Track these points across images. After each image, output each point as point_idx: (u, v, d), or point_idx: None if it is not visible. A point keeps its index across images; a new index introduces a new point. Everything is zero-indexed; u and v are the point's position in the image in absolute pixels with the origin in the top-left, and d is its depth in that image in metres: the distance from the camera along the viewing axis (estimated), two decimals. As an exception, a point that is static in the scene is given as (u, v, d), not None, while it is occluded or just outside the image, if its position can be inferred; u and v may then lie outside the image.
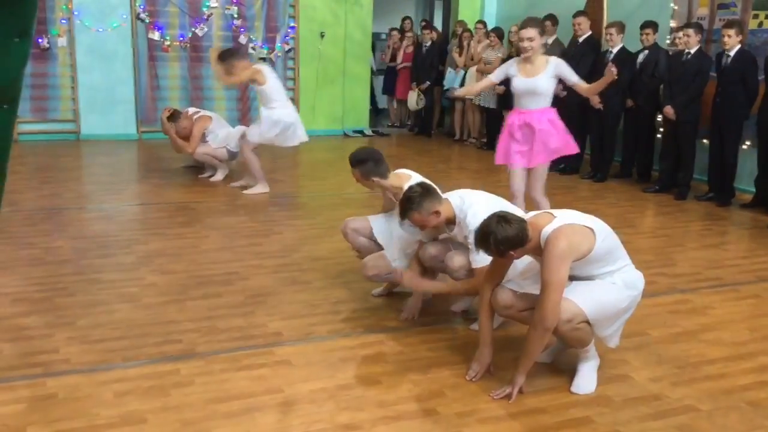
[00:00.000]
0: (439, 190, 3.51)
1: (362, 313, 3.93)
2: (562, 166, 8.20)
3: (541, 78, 4.78)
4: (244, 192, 6.77)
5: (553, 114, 4.92)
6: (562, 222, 2.94)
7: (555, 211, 3.05)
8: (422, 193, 3.38)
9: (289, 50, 10.44)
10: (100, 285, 4.24)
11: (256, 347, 3.45)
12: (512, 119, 4.97)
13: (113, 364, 3.23)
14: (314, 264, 4.75)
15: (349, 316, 3.88)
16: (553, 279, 2.83)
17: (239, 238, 5.36)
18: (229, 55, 6.56)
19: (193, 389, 3.02)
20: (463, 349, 3.49)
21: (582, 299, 2.97)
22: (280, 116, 6.59)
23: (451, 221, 3.48)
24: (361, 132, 11.10)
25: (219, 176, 7.30)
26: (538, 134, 4.80)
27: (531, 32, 4.71)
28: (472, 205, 3.40)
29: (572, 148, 4.97)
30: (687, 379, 3.26)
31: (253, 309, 3.92)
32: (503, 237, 2.85)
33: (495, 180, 8.06)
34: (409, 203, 3.37)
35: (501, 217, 2.89)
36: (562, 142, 4.91)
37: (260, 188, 6.81)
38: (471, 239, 3.23)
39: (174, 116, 7.20)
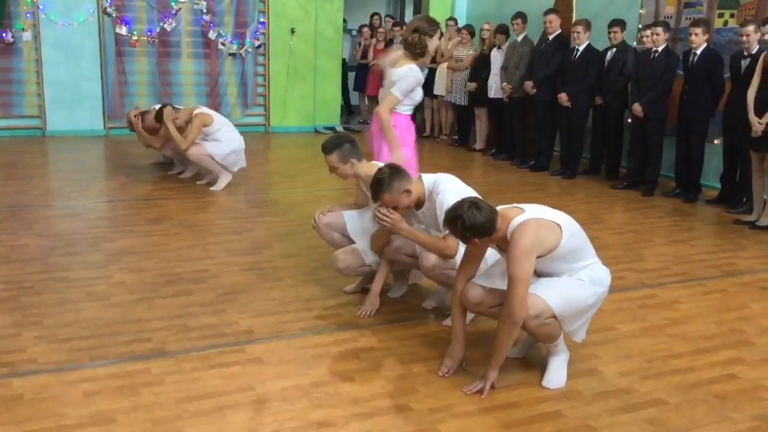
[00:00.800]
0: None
1: (335, 309, 3.92)
2: (532, 162, 8.28)
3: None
4: (211, 189, 6.68)
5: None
6: (530, 216, 2.97)
7: (525, 206, 3.08)
8: (391, 173, 3.42)
9: (259, 46, 10.35)
10: (68, 283, 4.17)
11: (228, 345, 3.42)
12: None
13: (82, 364, 3.18)
14: (286, 261, 4.72)
15: (321, 313, 3.87)
16: (519, 273, 2.85)
17: (210, 235, 5.31)
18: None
19: (163, 388, 2.99)
20: (436, 344, 3.50)
21: (549, 295, 3.00)
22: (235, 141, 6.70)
23: (421, 201, 3.51)
24: (332, 129, 11.06)
25: (221, 185, 6.70)
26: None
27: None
28: (443, 183, 3.48)
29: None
30: (655, 372, 3.31)
31: (225, 307, 3.89)
32: (471, 223, 2.87)
33: (466, 176, 8.10)
34: (379, 185, 3.40)
35: (473, 203, 2.92)
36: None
37: (225, 179, 6.72)
38: (440, 199, 3.35)
39: (143, 114, 7.07)
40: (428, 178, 3.58)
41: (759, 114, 5.85)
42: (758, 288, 4.55)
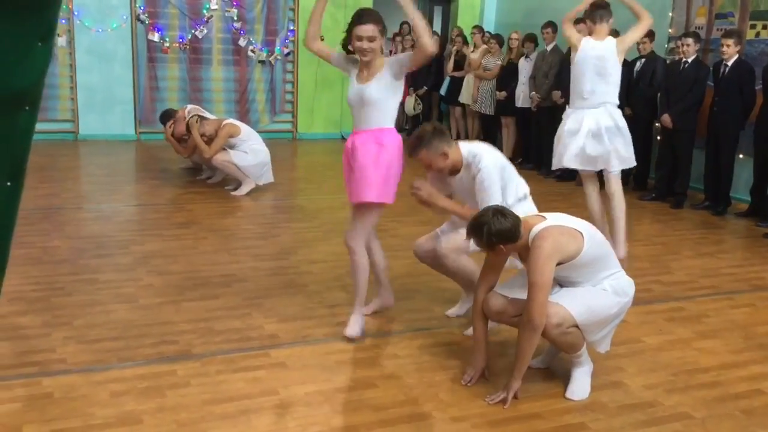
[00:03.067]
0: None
1: (359, 316, 3.93)
2: (559, 172, 8.24)
3: (372, 84, 3.46)
4: (233, 194, 6.75)
5: (389, 139, 3.48)
6: (551, 223, 2.97)
7: (547, 214, 3.08)
8: (434, 132, 3.47)
9: (288, 53, 10.46)
10: (97, 285, 4.24)
11: (253, 349, 3.45)
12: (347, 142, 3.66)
13: (109, 365, 3.24)
14: (311, 267, 4.76)
15: (345, 319, 3.87)
16: (539, 279, 2.85)
17: (237, 240, 5.36)
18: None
19: (188, 390, 3.03)
20: (459, 353, 3.50)
21: (571, 304, 2.99)
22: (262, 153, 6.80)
23: (456, 168, 3.55)
24: (359, 136, 11.10)
25: (244, 190, 6.76)
26: (356, 166, 3.50)
27: (370, 29, 3.39)
28: (484, 158, 3.51)
29: (384, 196, 3.46)
30: (681, 386, 3.27)
31: (250, 311, 3.93)
32: (497, 229, 2.88)
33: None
34: (419, 140, 3.44)
35: (498, 210, 2.94)
36: (375, 185, 3.43)
37: (247, 185, 6.80)
38: (480, 177, 3.43)
39: (168, 116, 7.20)
40: (465, 147, 3.58)
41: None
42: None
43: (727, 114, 6.66)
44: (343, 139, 10.92)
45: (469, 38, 10.27)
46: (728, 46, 6.55)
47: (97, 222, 5.70)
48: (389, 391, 3.10)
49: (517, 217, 2.96)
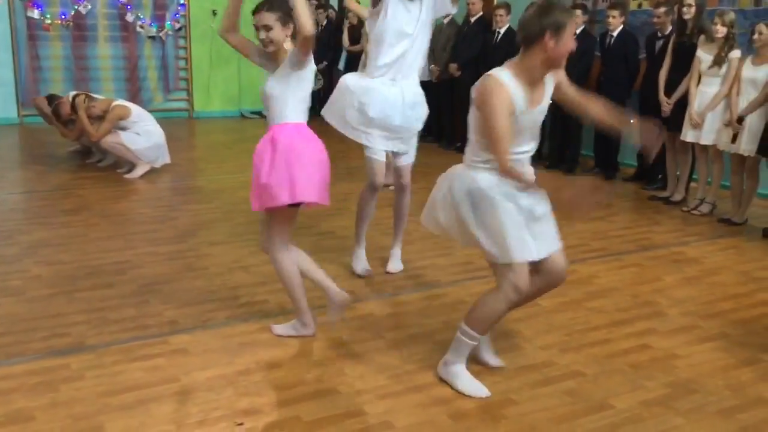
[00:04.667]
0: None
1: (262, 296, 3.90)
2: (458, 144, 8.37)
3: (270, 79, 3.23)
4: (126, 177, 6.51)
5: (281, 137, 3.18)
6: None
7: None
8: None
9: (180, 29, 10.11)
10: (-20, 279, 4.01)
11: (151, 337, 3.36)
12: None
13: (-4, 362, 3.07)
14: (211, 249, 4.66)
15: (248, 300, 3.84)
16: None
17: (131, 225, 5.18)
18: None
19: (83, 383, 2.91)
20: (366, 327, 3.53)
21: None
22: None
23: None
24: (258, 113, 10.91)
25: (137, 173, 6.52)
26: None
27: (264, 17, 3.11)
28: None
29: (273, 199, 3.14)
30: (574, 345, 3.43)
31: (147, 298, 3.81)
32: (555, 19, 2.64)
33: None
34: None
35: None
36: (260, 191, 3.18)
37: (141, 168, 6.57)
38: None
39: (51, 101, 6.83)
40: None
41: (669, 94, 6.09)
42: (671, 261, 4.75)
43: (613, 83, 6.95)
44: (243, 116, 10.72)
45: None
46: (614, 17, 6.82)
47: (-23, 212, 5.37)
48: (294, 371, 3.10)
49: None
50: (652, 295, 4.12)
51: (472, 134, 2.92)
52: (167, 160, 6.74)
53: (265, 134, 3.24)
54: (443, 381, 3.01)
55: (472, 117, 2.89)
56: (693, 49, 5.87)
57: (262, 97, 3.26)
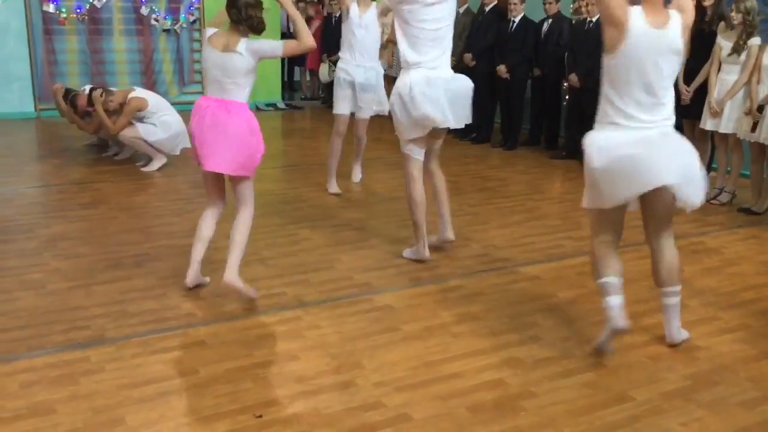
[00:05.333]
0: None
1: (279, 289, 3.90)
2: (473, 135, 8.33)
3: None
4: (143, 170, 6.53)
5: None
6: None
7: None
8: None
9: (194, 21, 10.10)
10: (1, 272, 4.03)
11: (170, 329, 3.37)
12: None
13: (18, 354, 3.10)
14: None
15: (266, 293, 3.85)
16: None
17: (149, 218, 5.20)
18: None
19: (103, 376, 2.93)
20: (381, 320, 3.53)
21: None
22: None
23: None
24: (273, 105, 10.92)
25: (154, 166, 6.55)
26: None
27: None
28: None
29: (254, 165, 3.68)
30: (594, 337, 3.39)
31: (165, 291, 3.83)
32: None
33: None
34: None
35: None
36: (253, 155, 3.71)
37: (158, 161, 6.59)
38: None
39: (67, 95, 6.85)
40: None
41: (688, 83, 6.02)
42: (690, 251, 4.70)
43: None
44: (258, 109, 10.72)
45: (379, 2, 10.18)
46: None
47: (-3, 206, 5.41)
48: (311, 362, 3.10)
49: None
50: (672, 286, 4.08)
51: None
52: (187, 144, 6.72)
53: (218, 106, 3.57)
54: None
55: None
56: (712, 36, 5.79)
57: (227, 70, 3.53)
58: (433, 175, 4.45)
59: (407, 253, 4.39)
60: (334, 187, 5.93)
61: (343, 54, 5.97)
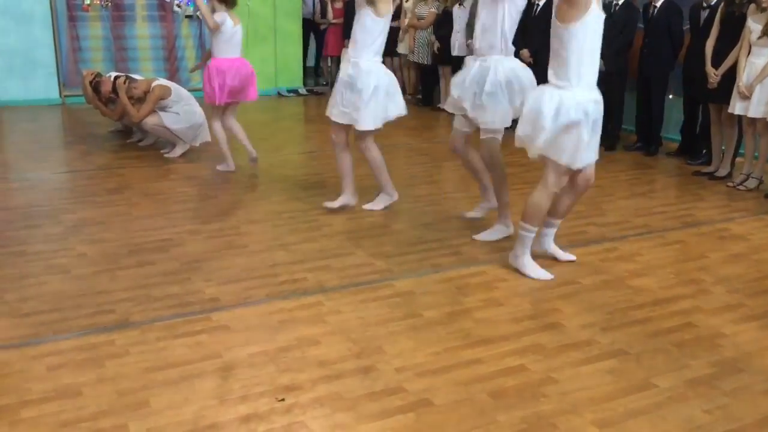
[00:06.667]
0: None
1: (301, 274, 3.92)
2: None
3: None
4: (167, 156, 6.57)
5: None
6: None
7: None
8: None
9: (217, 8, 10.11)
10: (28, 257, 4.10)
11: (193, 314, 3.41)
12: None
13: (44, 338, 3.15)
14: (251, 227, 4.70)
15: (287, 278, 3.87)
16: None
17: (172, 203, 5.24)
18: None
19: (128, 359, 2.97)
20: (402, 305, 3.53)
21: None
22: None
23: None
24: (295, 91, 10.92)
25: (177, 152, 6.61)
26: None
27: None
28: None
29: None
30: (616, 324, 3.38)
31: (189, 275, 3.87)
32: None
33: (432, 135, 8.10)
34: None
35: None
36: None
37: (180, 147, 6.63)
38: None
39: (97, 82, 6.90)
40: None
41: (716, 65, 5.91)
42: (716, 238, 4.65)
43: (656, 55, 6.77)
44: (280, 95, 10.73)
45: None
46: (655, -13, 6.62)
47: (23, 192, 5.48)
48: (333, 347, 3.11)
49: None
50: (697, 273, 4.04)
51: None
52: (207, 138, 6.78)
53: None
54: (516, 270, 3.90)
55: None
56: (742, 19, 5.67)
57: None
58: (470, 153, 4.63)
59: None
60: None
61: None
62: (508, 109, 4.26)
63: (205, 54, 6.47)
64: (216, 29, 5.67)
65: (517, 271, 3.92)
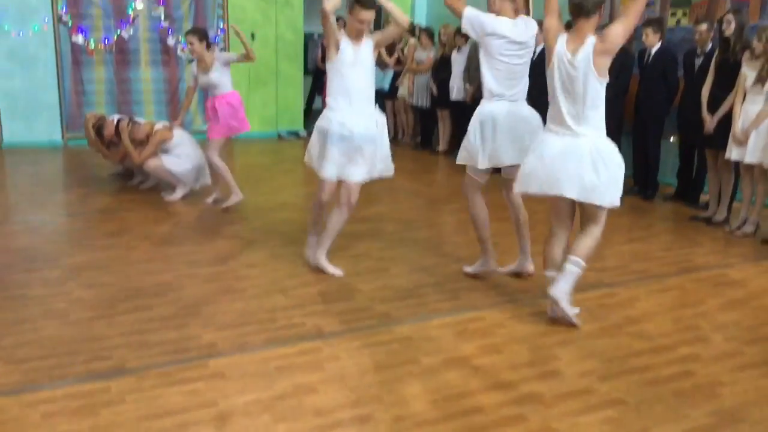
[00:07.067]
0: None
1: (299, 319, 3.91)
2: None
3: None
4: (167, 199, 6.60)
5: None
6: None
7: None
8: None
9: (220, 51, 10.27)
10: (26, 301, 4.10)
11: (190, 360, 3.39)
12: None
13: (40, 385, 3.13)
14: (249, 271, 4.70)
15: (285, 323, 3.86)
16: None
17: (171, 246, 5.25)
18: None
19: (124, 407, 2.95)
20: (400, 352, 3.52)
21: None
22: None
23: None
24: (295, 133, 11.03)
25: (177, 195, 6.64)
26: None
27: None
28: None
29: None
30: (615, 372, 3.36)
31: (187, 320, 3.86)
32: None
33: (430, 179, 8.15)
34: None
35: None
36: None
37: (181, 190, 6.67)
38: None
39: (100, 125, 6.98)
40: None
41: (711, 111, 5.99)
42: (714, 283, 4.65)
43: (652, 100, 6.87)
44: (280, 137, 10.83)
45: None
46: (647, 35, 6.74)
47: (24, 235, 5.50)
48: (330, 395, 3.10)
49: None
50: (695, 320, 4.03)
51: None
52: (208, 181, 6.84)
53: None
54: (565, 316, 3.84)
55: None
56: (736, 65, 5.76)
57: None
58: (513, 206, 4.75)
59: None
60: (330, 268, 4.65)
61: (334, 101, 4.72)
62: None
63: (186, 98, 6.62)
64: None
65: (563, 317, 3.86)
